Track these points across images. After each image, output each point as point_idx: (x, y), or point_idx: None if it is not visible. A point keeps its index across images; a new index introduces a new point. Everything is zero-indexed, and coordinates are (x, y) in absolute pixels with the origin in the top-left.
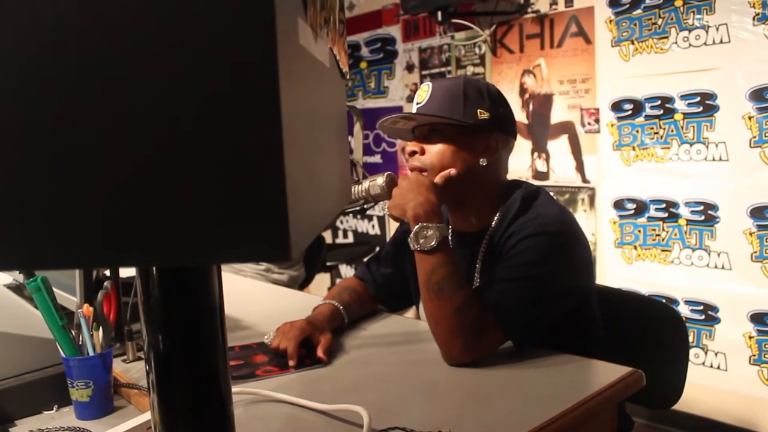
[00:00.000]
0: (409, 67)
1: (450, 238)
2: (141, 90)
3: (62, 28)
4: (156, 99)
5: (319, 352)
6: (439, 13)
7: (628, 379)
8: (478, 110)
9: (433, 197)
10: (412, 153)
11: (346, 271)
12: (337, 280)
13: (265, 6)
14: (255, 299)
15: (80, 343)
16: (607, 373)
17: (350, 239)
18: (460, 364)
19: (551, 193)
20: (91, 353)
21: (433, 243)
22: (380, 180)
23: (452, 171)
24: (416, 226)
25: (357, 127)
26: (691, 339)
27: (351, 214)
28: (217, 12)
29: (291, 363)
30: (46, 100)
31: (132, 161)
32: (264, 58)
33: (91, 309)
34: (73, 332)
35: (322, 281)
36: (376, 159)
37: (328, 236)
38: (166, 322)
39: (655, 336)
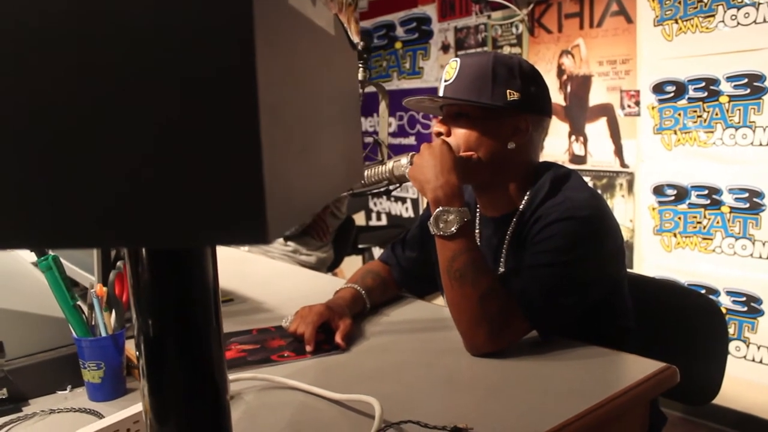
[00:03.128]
0: (445, 48)
1: (477, 221)
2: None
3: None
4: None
5: (338, 338)
6: None
7: (661, 374)
8: (508, 90)
9: (455, 178)
10: (438, 134)
11: (378, 253)
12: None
13: None
14: (279, 281)
15: (93, 323)
16: (638, 367)
17: (383, 221)
18: (484, 354)
19: (588, 180)
20: (104, 334)
21: (453, 228)
22: (404, 160)
23: (474, 155)
24: (436, 210)
25: (382, 105)
26: (732, 331)
27: (384, 197)
28: None
29: (308, 348)
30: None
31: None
32: (236, 12)
33: (104, 289)
34: (86, 312)
35: (353, 264)
36: (411, 140)
37: (360, 218)
38: (155, 305)
39: (691, 328)
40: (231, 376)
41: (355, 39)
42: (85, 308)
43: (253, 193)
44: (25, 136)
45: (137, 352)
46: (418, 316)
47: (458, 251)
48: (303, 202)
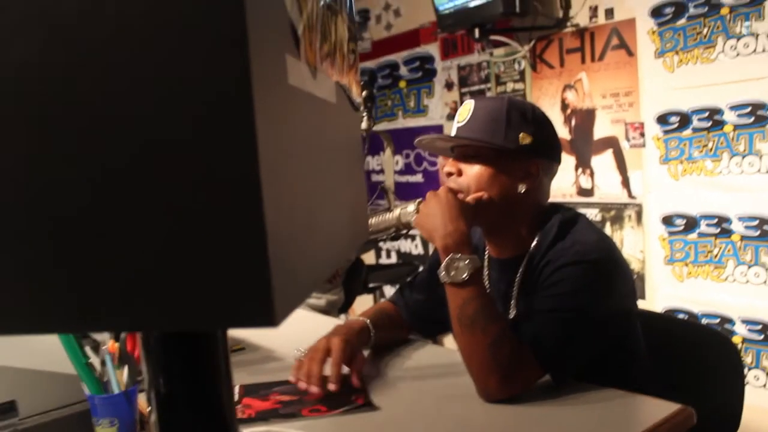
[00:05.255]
0: (449, 85)
1: (486, 263)
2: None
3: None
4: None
5: (355, 381)
6: (477, 30)
7: (677, 417)
8: (521, 134)
9: (463, 225)
10: (449, 174)
11: (390, 292)
12: (381, 301)
13: (235, 52)
14: (289, 328)
15: (105, 379)
16: (654, 410)
17: (393, 259)
18: (496, 401)
19: (596, 212)
20: (116, 390)
21: (464, 276)
22: (411, 207)
23: (485, 195)
24: (446, 258)
25: (387, 153)
26: (749, 360)
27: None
28: (187, 55)
29: (331, 387)
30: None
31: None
32: (236, 112)
33: (116, 345)
34: (98, 368)
35: (364, 303)
36: (417, 178)
37: (370, 257)
38: (165, 361)
39: (705, 364)
40: (245, 430)
41: (357, 99)
42: (97, 363)
43: (259, 280)
44: (35, 219)
45: (148, 407)
46: (428, 360)
47: (469, 298)
48: (311, 274)
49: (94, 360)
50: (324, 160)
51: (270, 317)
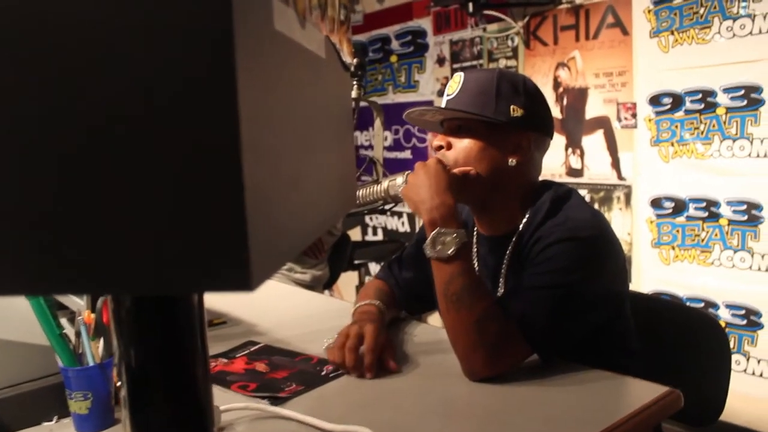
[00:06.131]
0: (440, 61)
1: (475, 241)
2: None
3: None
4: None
5: (392, 364)
6: (471, 5)
7: (665, 399)
8: (512, 107)
9: (450, 199)
10: (439, 147)
11: (375, 269)
12: (366, 278)
13: None
14: (273, 302)
15: (80, 351)
16: (641, 392)
17: (380, 236)
18: (482, 379)
19: (585, 193)
20: (91, 363)
21: (450, 251)
22: (399, 179)
23: (472, 170)
24: (432, 232)
25: (377, 123)
26: (732, 345)
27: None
28: None
29: (368, 376)
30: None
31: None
32: (216, 45)
33: (92, 316)
34: (72, 340)
35: (349, 280)
36: (406, 155)
37: (356, 233)
38: (138, 331)
39: (693, 348)
40: (222, 406)
41: (348, 59)
42: (71, 334)
43: (235, 240)
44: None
45: (119, 382)
46: (414, 338)
47: (455, 274)
48: (292, 239)
49: (69, 331)
50: (312, 117)
51: (246, 281)
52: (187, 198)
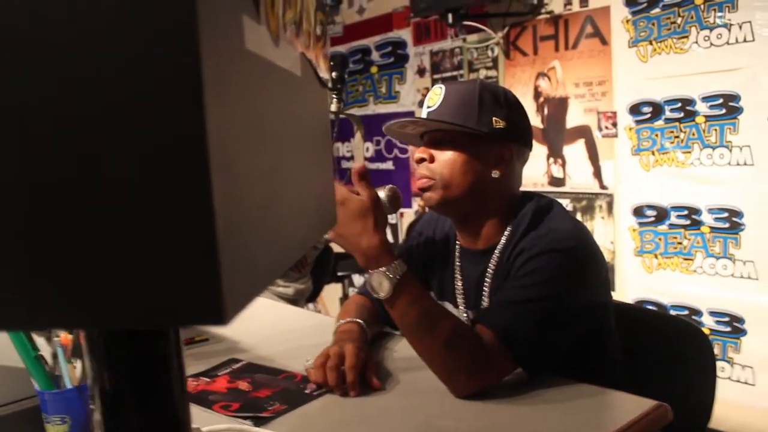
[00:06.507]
0: (421, 71)
1: (457, 254)
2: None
3: None
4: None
5: (376, 382)
6: (450, 16)
7: (652, 414)
8: (494, 118)
9: (376, 238)
10: (421, 160)
11: (359, 280)
12: (350, 290)
13: (181, 5)
14: (256, 318)
15: (57, 373)
16: (629, 407)
17: None
18: (468, 396)
19: (567, 202)
20: (69, 386)
21: (388, 291)
22: (382, 194)
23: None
24: (367, 276)
25: (357, 137)
26: (716, 351)
27: None
28: (129, 9)
29: (352, 395)
30: None
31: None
32: (182, 66)
33: (69, 337)
34: (49, 361)
35: (333, 292)
36: (388, 165)
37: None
38: (111, 353)
39: (677, 357)
40: (204, 428)
41: (325, 75)
42: (48, 356)
43: (206, 272)
44: None
45: (92, 405)
46: (397, 353)
47: (405, 307)
48: (269, 265)
49: (45, 352)
50: (287, 136)
51: (219, 315)
52: (154, 228)
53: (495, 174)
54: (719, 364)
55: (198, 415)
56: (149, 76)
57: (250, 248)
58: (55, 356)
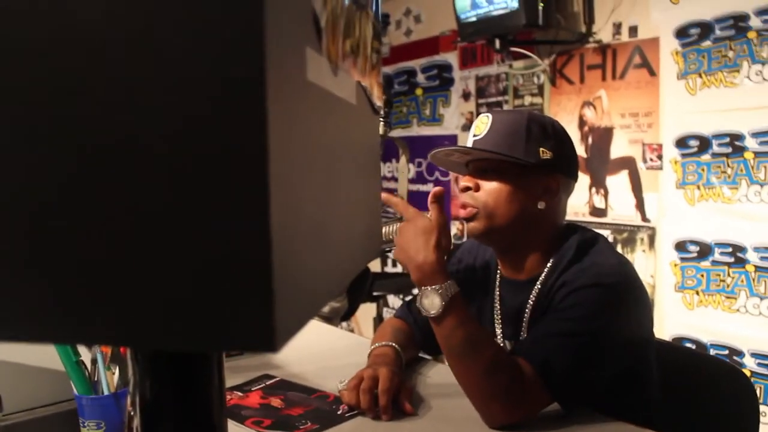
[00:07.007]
0: (466, 95)
1: (498, 283)
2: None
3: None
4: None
5: (408, 407)
6: (498, 41)
7: None
8: (541, 149)
9: (432, 255)
10: (466, 189)
11: (394, 301)
12: (384, 311)
13: (251, 37)
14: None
15: (96, 379)
16: None
17: (399, 268)
18: (501, 427)
19: (608, 234)
20: (106, 392)
21: (438, 309)
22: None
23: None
24: (419, 292)
25: (402, 161)
26: (758, 395)
27: None
28: (199, 40)
29: (385, 419)
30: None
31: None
32: (248, 99)
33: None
34: (88, 367)
35: (368, 311)
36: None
37: (376, 264)
38: (154, 363)
39: (718, 399)
40: None
41: (378, 103)
42: (88, 362)
43: (260, 301)
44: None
45: (132, 412)
46: (431, 379)
47: (451, 328)
48: (317, 294)
49: (85, 357)
50: (340, 165)
51: (270, 343)
52: (210, 254)
53: (540, 205)
54: (762, 408)
55: (230, 429)
56: (216, 109)
57: (303, 276)
58: (94, 362)
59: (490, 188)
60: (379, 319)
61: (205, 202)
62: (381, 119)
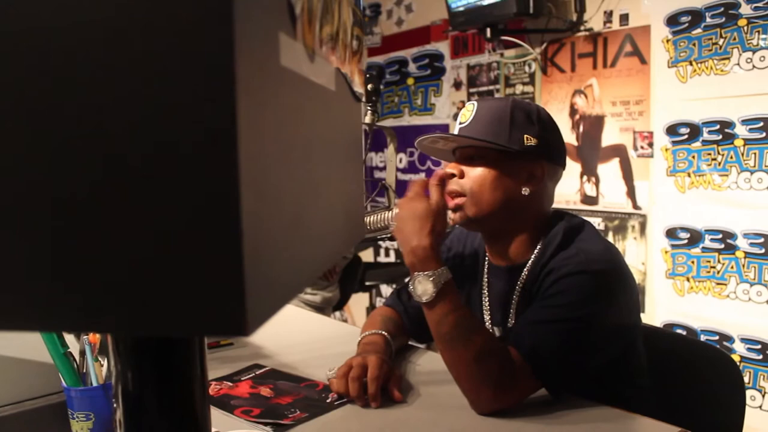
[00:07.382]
0: (457, 85)
1: (486, 270)
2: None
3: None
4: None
5: (398, 394)
6: (489, 30)
7: None
8: (525, 136)
9: (427, 240)
10: (451, 176)
11: (387, 290)
12: (377, 300)
13: (218, 22)
14: (281, 324)
15: (84, 371)
16: None
17: (392, 258)
18: (489, 413)
19: (599, 222)
20: (95, 383)
21: (431, 295)
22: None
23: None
24: (412, 277)
25: (390, 149)
26: (747, 379)
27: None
28: (165, 24)
29: (374, 405)
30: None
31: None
32: (216, 91)
33: (98, 336)
34: (77, 358)
35: (360, 301)
36: (421, 177)
37: (368, 255)
38: (136, 352)
39: (706, 383)
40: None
41: (359, 89)
42: (76, 354)
43: (230, 284)
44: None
45: (114, 404)
46: (421, 367)
47: (443, 314)
48: (294, 279)
49: (74, 349)
50: (319, 151)
51: (242, 328)
52: (183, 243)
53: (525, 191)
54: (749, 392)
55: (219, 419)
56: (184, 93)
57: (276, 263)
58: (83, 354)
59: (475, 175)
60: (371, 309)
61: (176, 189)
62: (369, 108)
